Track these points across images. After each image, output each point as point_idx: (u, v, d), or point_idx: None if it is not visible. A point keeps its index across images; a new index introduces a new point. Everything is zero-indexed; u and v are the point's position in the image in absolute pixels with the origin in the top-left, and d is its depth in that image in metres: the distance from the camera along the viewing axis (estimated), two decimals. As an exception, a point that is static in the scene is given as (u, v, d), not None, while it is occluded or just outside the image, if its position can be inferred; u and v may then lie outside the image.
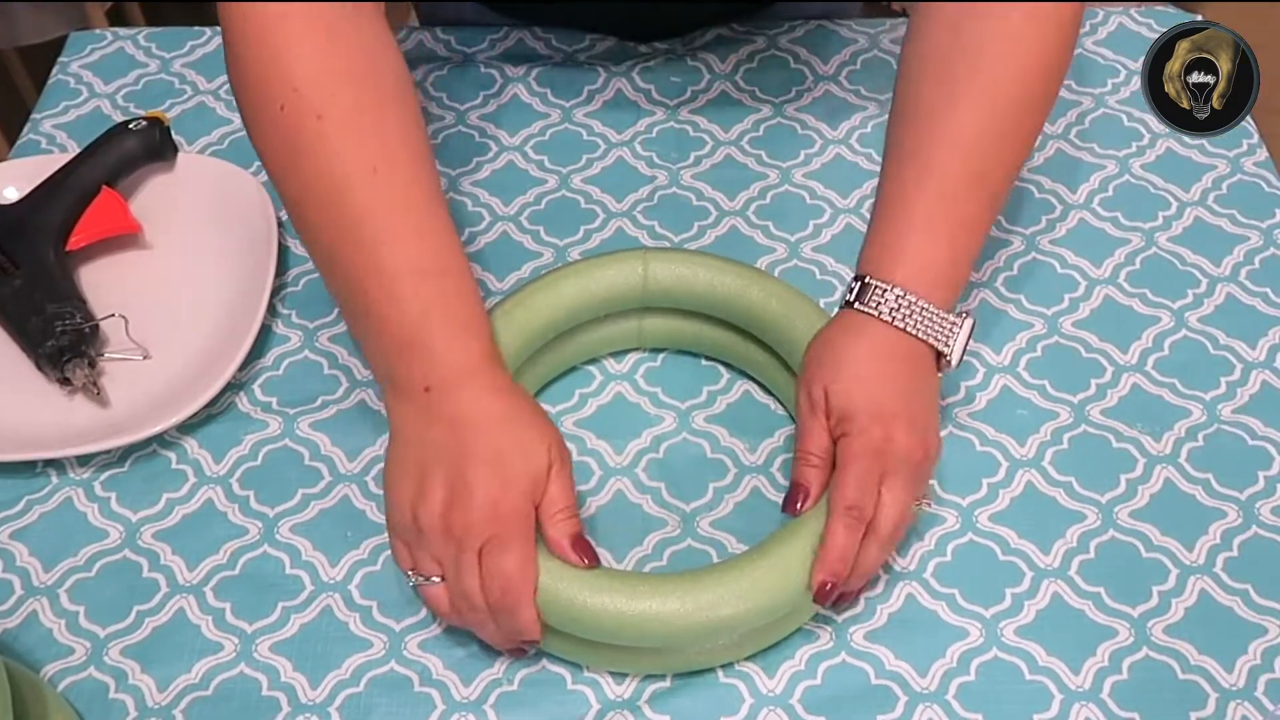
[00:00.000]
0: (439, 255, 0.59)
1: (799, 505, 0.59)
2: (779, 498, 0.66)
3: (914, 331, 0.59)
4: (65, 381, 0.69)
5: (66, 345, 0.68)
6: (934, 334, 0.59)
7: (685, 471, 0.67)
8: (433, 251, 0.59)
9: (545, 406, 0.68)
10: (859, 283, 0.61)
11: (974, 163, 0.61)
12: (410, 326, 0.57)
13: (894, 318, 0.59)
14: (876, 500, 0.57)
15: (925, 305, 0.59)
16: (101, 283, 0.75)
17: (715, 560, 0.64)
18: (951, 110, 0.61)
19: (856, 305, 0.60)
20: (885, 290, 0.59)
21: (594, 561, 0.57)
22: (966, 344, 0.60)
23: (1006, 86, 0.61)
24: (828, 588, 0.56)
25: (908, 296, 0.59)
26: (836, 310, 0.63)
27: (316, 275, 0.76)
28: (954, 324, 0.60)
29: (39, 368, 0.70)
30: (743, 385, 0.71)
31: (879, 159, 0.80)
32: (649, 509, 0.66)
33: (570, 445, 0.68)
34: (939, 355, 0.60)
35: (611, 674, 0.60)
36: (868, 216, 0.77)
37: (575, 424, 0.69)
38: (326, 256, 0.60)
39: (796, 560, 0.56)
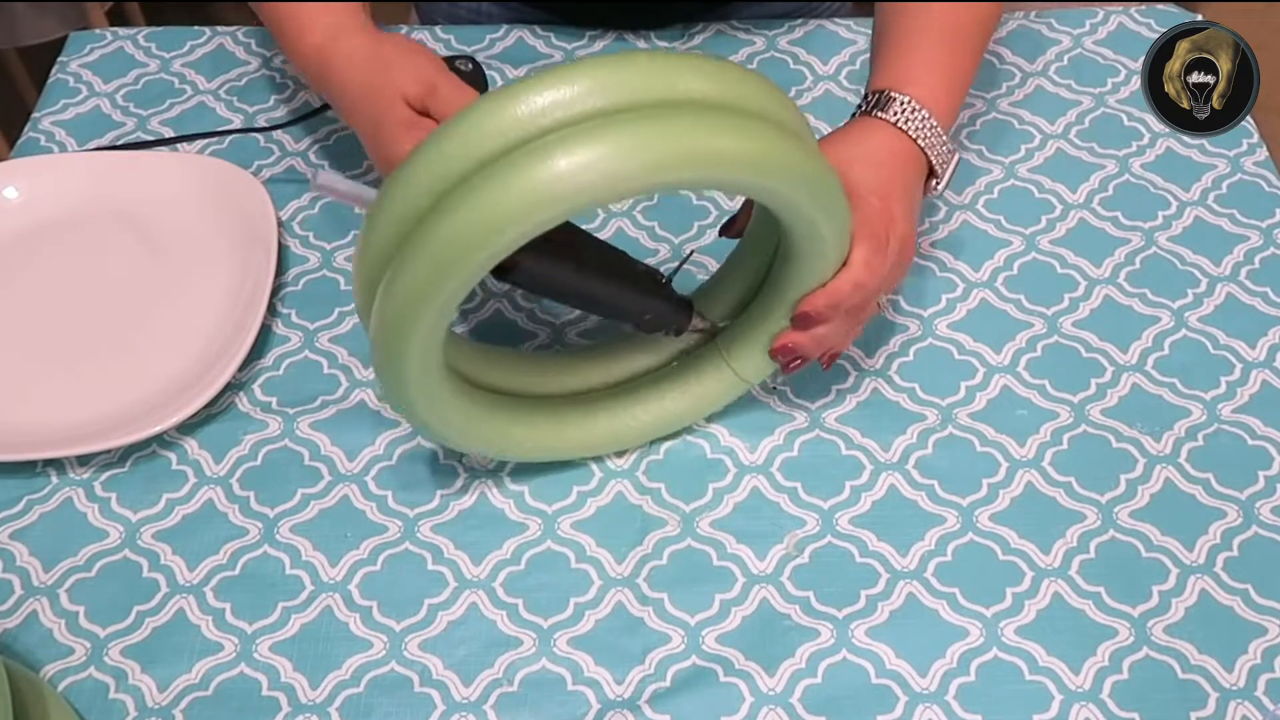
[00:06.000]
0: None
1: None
2: (779, 498, 0.66)
3: (922, 143, 0.64)
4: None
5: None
6: (935, 151, 0.65)
7: (685, 471, 0.67)
8: None
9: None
10: (877, 95, 0.65)
11: (959, 38, 0.69)
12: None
13: (908, 127, 0.64)
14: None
15: (934, 124, 0.64)
16: (100, 282, 0.75)
17: (715, 561, 0.64)
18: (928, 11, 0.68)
19: (876, 114, 0.64)
20: (906, 101, 0.64)
21: None
22: (952, 176, 0.67)
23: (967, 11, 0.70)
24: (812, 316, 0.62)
25: (922, 111, 0.64)
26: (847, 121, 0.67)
27: (317, 275, 0.76)
28: (952, 149, 0.66)
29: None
30: (743, 385, 0.70)
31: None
32: (649, 509, 0.66)
33: (570, 445, 0.68)
34: (930, 175, 0.66)
35: (611, 676, 0.60)
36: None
37: (575, 424, 0.69)
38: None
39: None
